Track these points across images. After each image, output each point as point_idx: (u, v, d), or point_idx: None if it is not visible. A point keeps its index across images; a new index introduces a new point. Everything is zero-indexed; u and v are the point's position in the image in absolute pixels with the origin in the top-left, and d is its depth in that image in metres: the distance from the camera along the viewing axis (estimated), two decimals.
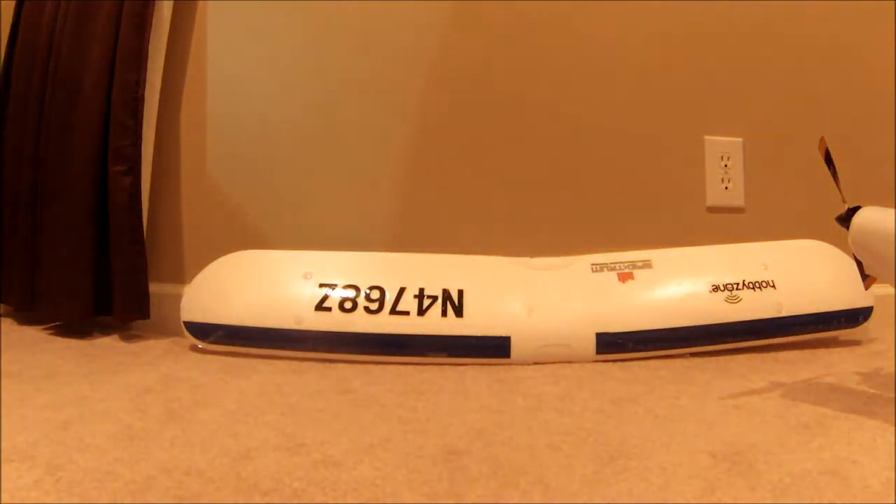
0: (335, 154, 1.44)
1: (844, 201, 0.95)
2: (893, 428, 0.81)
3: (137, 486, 0.70)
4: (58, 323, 1.44)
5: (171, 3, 1.42)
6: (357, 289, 1.24)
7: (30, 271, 1.45)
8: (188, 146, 1.47)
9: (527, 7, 1.38)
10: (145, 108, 1.39)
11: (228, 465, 0.76)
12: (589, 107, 1.39)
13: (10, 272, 1.49)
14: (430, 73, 1.41)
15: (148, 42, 1.38)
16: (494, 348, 1.18)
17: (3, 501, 0.66)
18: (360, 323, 1.21)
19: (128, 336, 1.38)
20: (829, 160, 0.96)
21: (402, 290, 1.23)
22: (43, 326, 1.44)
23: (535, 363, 1.16)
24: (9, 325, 1.47)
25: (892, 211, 0.89)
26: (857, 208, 0.92)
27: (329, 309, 1.23)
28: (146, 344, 1.33)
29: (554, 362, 1.16)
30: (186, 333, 1.27)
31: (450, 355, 1.19)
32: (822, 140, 0.96)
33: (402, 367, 1.16)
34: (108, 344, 1.34)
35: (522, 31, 1.39)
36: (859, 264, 0.95)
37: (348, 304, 1.23)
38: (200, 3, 1.46)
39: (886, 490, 0.67)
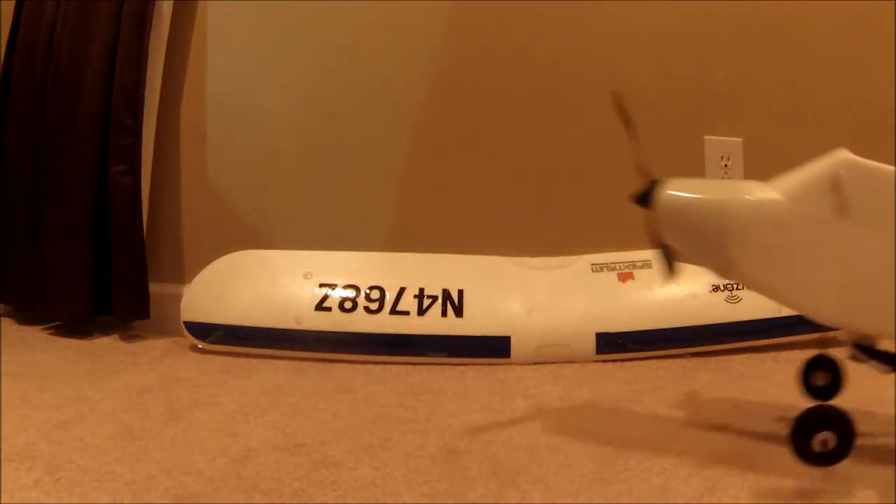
0: (335, 154, 1.44)
1: (643, 173, 0.81)
2: (893, 428, 0.81)
3: (137, 486, 0.70)
4: (58, 323, 1.44)
5: (171, 3, 1.42)
6: (357, 289, 1.24)
7: (30, 271, 1.45)
8: (188, 146, 1.47)
9: (526, 7, 1.38)
10: (145, 108, 1.39)
11: (228, 465, 0.76)
12: (589, 106, 1.39)
13: (10, 272, 1.49)
14: (431, 73, 1.41)
15: (148, 42, 1.38)
16: (494, 348, 1.18)
17: (3, 501, 0.66)
18: (360, 323, 1.21)
19: (128, 336, 1.38)
20: (625, 118, 0.84)
21: (402, 290, 1.23)
22: (43, 326, 1.44)
23: (535, 363, 1.16)
24: (9, 325, 1.47)
25: (710, 181, 0.86)
26: (654, 182, 0.80)
27: (329, 309, 1.23)
28: (146, 344, 1.33)
29: (554, 362, 1.16)
30: (186, 333, 1.27)
31: (450, 355, 1.19)
32: (616, 94, 0.85)
33: (402, 367, 1.16)
34: (108, 344, 1.34)
35: (522, 31, 1.39)
36: (665, 251, 0.81)
37: (348, 304, 1.23)
38: (200, 3, 1.46)
39: (886, 490, 0.67)
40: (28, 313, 1.48)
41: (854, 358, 0.77)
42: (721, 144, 1.37)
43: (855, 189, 0.73)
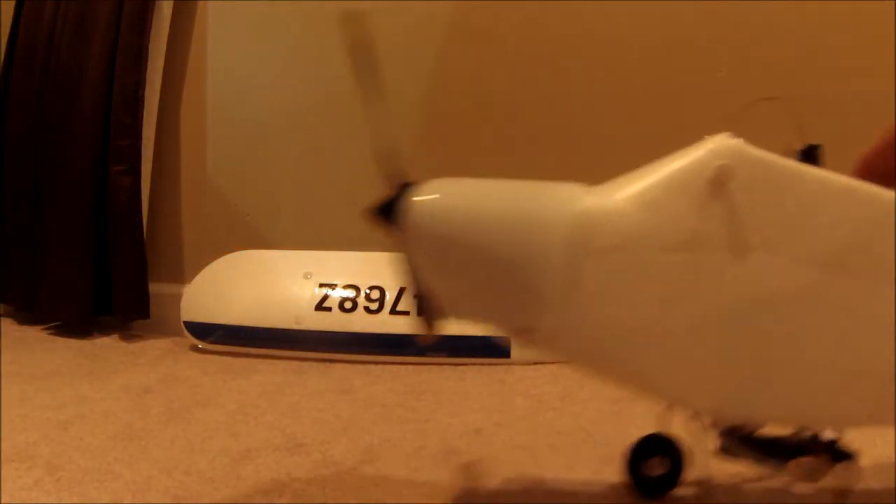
0: (335, 154, 1.44)
1: (388, 168, 0.52)
2: (893, 430, 0.81)
3: (137, 486, 0.70)
4: (58, 323, 1.44)
5: (171, 2, 1.42)
6: (357, 289, 1.24)
7: (30, 271, 1.45)
8: (188, 146, 1.47)
9: (527, 7, 1.38)
10: (145, 108, 1.39)
11: (228, 465, 0.76)
12: (589, 107, 1.39)
13: (10, 272, 1.49)
14: (431, 72, 1.41)
15: (148, 42, 1.38)
16: (494, 348, 1.18)
17: (3, 501, 0.66)
18: (360, 323, 1.21)
19: (128, 336, 1.38)
20: (363, 61, 0.58)
21: (402, 290, 1.23)
22: (43, 326, 1.44)
23: (535, 363, 1.16)
24: (9, 325, 1.47)
25: (497, 182, 0.51)
26: (406, 185, 0.52)
27: (329, 309, 1.23)
28: (146, 344, 1.33)
29: (554, 362, 1.16)
30: (186, 333, 1.27)
31: (450, 355, 1.19)
32: (352, 16, 0.57)
33: (402, 367, 1.16)
34: (108, 344, 1.34)
35: (522, 31, 1.39)
36: (423, 298, 0.52)
37: (348, 304, 1.23)
38: (200, 3, 1.46)
39: (887, 492, 0.67)
40: (28, 313, 1.49)
41: (726, 452, 0.58)
42: None
43: (750, 195, 0.49)
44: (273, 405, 0.97)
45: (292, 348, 1.22)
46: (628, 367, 0.50)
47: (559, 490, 0.70)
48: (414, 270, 0.51)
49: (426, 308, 0.53)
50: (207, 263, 1.33)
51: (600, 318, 0.48)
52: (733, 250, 0.47)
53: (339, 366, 1.19)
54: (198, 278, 1.32)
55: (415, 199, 0.50)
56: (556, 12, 1.39)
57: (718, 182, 0.48)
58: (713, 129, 1.37)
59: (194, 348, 1.28)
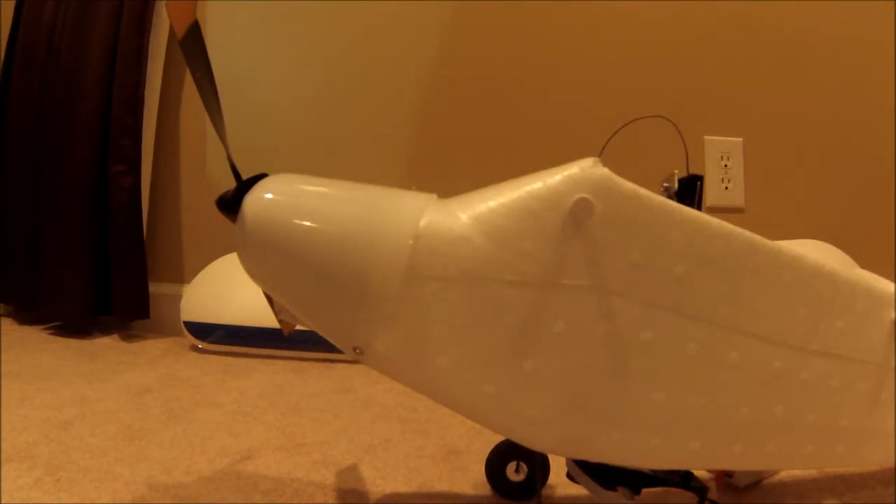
0: (335, 153, 1.44)
1: (232, 167, 0.50)
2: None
3: (137, 486, 0.70)
4: (58, 323, 1.44)
5: None
6: None
7: (30, 271, 1.45)
8: (188, 146, 1.47)
9: (527, 7, 1.38)
10: (145, 108, 1.39)
11: (228, 465, 0.76)
12: (589, 106, 1.39)
13: (10, 272, 1.49)
14: (432, 71, 1.41)
15: (148, 41, 1.38)
16: None
17: (3, 501, 0.66)
18: None
19: (128, 336, 1.38)
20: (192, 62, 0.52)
21: None
22: (43, 326, 1.44)
23: None
24: (9, 325, 1.47)
25: (344, 184, 0.48)
26: (258, 178, 0.49)
27: None
28: (146, 344, 1.33)
29: None
30: (186, 333, 1.27)
31: None
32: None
33: None
34: (108, 344, 1.34)
35: (522, 29, 1.39)
36: (269, 298, 0.51)
37: None
38: (200, 2, 1.46)
39: (886, 491, 0.67)
40: (28, 313, 1.49)
41: (570, 478, 0.58)
42: (721, 144, 1.37)
43: (614, 233, 0.43)
44: (273, 405, 0.97)
45: (292, 348, 1.22)
46: (466, 401, 0.46)
47: (559, 490, 0.70)
48: (253, 269, 0.47)
49: (271, 304, 0.51)
50: (207, 263, 1.33)
51: (437, 348, 0.44)
52: (589, 291, 0.43)
53: (339, 366, 1.19)
54: (198, 278, 1.32)
55: (252, 201, 0.46)
56: (556, 12, 1.39)
57: (575, 217, 0.43)
58: (713, 129, 1.36)
59: (194, 348, 1.28)
